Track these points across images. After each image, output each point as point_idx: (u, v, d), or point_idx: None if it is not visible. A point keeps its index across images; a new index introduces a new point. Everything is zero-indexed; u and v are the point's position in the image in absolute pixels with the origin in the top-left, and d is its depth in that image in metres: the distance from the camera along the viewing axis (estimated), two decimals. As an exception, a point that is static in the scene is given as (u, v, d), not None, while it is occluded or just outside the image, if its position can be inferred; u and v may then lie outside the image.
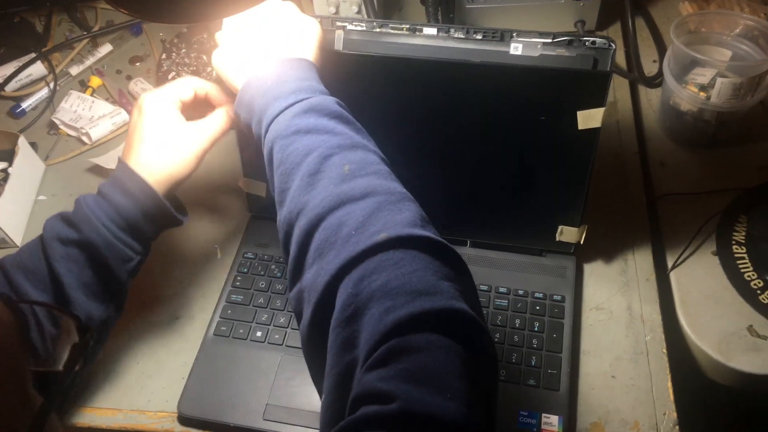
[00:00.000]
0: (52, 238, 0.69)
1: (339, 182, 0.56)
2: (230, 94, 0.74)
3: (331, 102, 0.62)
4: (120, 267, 0.71)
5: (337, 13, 1.08)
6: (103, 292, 0.71)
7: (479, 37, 0.74)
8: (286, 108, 0.61)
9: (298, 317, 0.57)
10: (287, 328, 0.82)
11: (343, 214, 0.54)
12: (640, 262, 0.86)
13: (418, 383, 0.45)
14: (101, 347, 0.77)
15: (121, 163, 0.71)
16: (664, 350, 0.78)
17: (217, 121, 0.74)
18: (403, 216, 0.54)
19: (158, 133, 0.71)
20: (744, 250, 0.85)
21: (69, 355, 0.48)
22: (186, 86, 0.74)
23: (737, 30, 0.94)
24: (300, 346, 0.80)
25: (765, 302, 0.81)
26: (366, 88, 0.76)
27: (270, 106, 0.62)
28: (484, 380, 0.49)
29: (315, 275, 0.54)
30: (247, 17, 0.69)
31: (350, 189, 0.55)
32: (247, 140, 0.85)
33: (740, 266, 0.84)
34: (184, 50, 1.11)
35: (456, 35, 0.75)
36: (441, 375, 0.46)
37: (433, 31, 0.75)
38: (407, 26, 0.75)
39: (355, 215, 0.54)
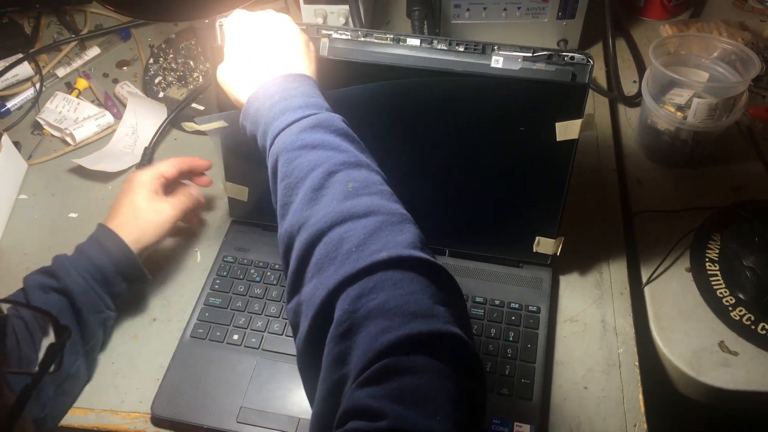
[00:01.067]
0: (32, 287, 0.76)
1: (342, 199, 0.56)
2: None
3: (337, 119, 0.63)
4: (93, 315, 0.78)
5: (324, 23, 1.10)
6: (77, 342, 0.77)
7: (461, 49, 0.76)
8: (294, 122, 0.62)
9: (295, 330, 0.57)
10: (264, 332, 0.82)
11: (345, 230, 0.55)
12: (615, 276, 0.87)
13: (409, 404, 0.46)
14: (71, 401, 0.79)
15: (101, 225, 0.82)
16: (636, 363, 0.79)
17: (182, 200, 0.86)
18: (403, 237, 0.54)
19: (136, 206, 0.83)
20: (717, 268, 0.87)
21: (44, 355, 0.48)
22: (171, 167, 0.87)
23: (715, 53, 0.97)
24: (276, 350, 0.81)
25: (736, 318, 0.82)
26: (354, 97, 0.77)
27: (277, 120, 0.62)
28: (474, 405, 0.49)
29: (314, 289, 0.54)
30: (247, 29, 0.70)
31: (353, 206, 0.56)
32: (231, 145, 0.86)
33: (713, 283, 0.86)
34: (171, 55, 1.12)
35: (439, 47, 0.76)
36: (432, 398, 0.47)
37: (416, 41, 0.76)
38: (391, 36, 0.77)
39: (356, 232, 0.54)
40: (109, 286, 0.79)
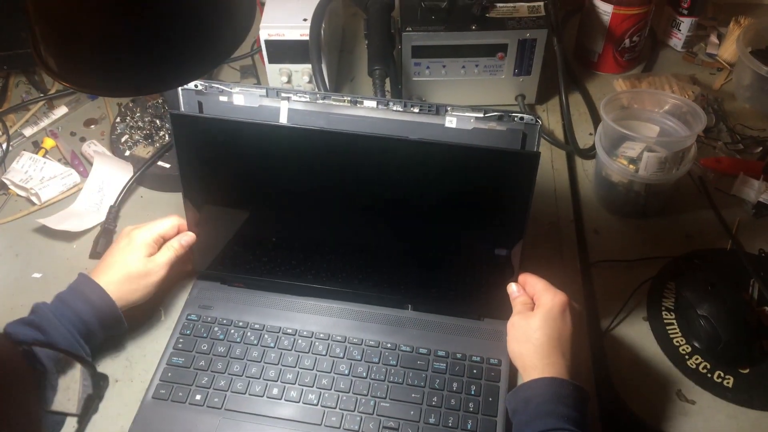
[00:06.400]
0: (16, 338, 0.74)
1: None
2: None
3: None
4: None
5: (289, 82, 1.12)
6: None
7: (416, 110, 0.78)
8: None
9: None
10: (227, 391, 0.82)
11: None
12: (574, 326, 0.88)
13: None
14: None
15: (83, 276, 0.83)
16: (595, 413, 0.80)
17: (175, 254, 0.88)
18: None
19: (130, 268, 0.84)
20: (673, 316, 0.89)
21: (83, 405, 0.50)
22: (172, 228, 0.90)
23: (666, 107, 1.00)
24: (239, 409, 0.80)
25: (693, 367, 0.84)
26: (305, 160, 0.79)
27: None
28: None
29: None
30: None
31: None
32: (193, 201, 0.87)
33: (669, 332, 0.88)
34: (138, 114, 1.13)
35: (395, 108, 0.79)
36: None
37: (372, 103, 0.79)
38: (348, 98, 0.79)
39: None
40: (90, 337, 0.80)
